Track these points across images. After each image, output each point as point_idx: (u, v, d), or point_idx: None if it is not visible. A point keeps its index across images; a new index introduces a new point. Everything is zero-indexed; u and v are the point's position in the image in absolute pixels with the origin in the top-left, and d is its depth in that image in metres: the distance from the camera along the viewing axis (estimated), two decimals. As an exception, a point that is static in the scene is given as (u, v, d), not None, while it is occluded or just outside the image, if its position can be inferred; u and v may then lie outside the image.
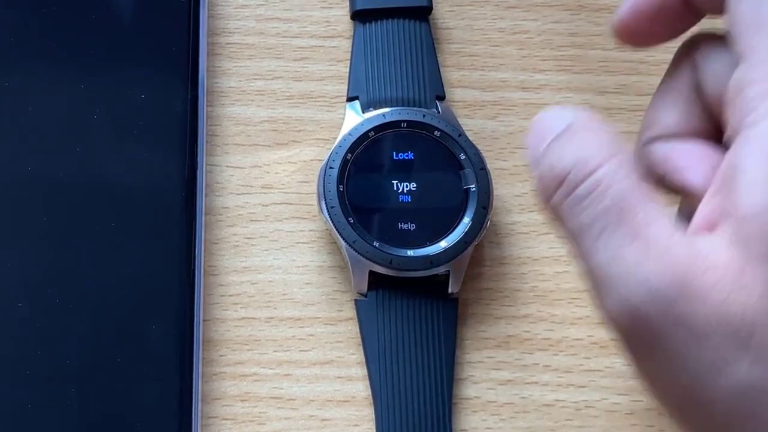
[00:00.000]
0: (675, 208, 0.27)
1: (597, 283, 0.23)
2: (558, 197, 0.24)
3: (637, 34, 0.28)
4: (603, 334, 0.33)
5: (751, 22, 0.25)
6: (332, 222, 0.32)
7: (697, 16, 0.28)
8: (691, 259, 0.22)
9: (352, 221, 0.32)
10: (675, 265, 0.22)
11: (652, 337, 0.23)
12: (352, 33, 0.37)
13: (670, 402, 0.24)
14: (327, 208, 0.32)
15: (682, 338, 0.22)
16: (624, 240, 0.23)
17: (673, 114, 0.28)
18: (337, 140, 0.34)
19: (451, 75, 0.36)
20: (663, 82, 0.29)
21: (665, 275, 0.22)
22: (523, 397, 0.33)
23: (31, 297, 0.32)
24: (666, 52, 0.37)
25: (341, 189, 0.33)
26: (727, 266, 0.22)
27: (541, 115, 0.25)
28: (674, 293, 0.22)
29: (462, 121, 0.35)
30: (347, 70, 0.36)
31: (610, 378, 0.33)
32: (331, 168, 0.33)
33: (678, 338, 0.22)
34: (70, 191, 0.33)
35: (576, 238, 0.24)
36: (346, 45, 0.37)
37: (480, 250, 0.33)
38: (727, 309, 0.22)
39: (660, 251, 0.22)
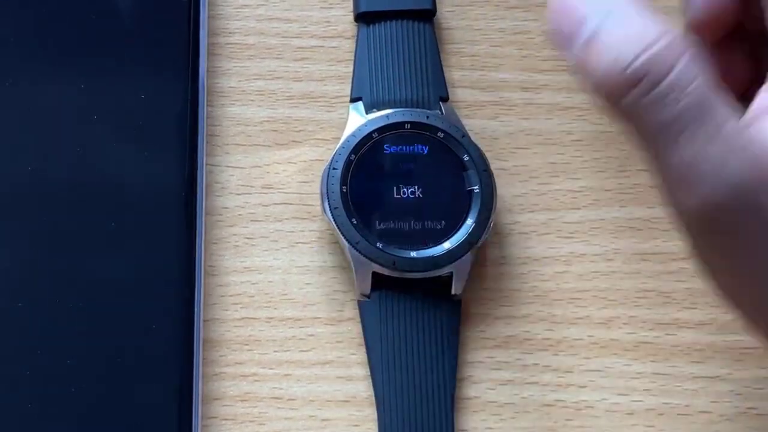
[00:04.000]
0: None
1: (676, 182, 0.23)
2: (633, 97, 0.23)
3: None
4: (603, 334, 0.34)
5: None
6: (335, 223, 0.32)
7: None
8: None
9: (355, 222, 0.32)
10: (755, 159, 0.23)
11: (735, 232, 0.23)
12: (352, 33, 0.37)
13: (746, 301, 0.24)
14: (330, 209, 0.32)
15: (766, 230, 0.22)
16: (707, 137, 0.22)
17: None
18: (341, 141, 0.34)
19: (451, 75, 0.36)
20: None
21: (748, 169, 0.22)
22: (523, 397, 0.33)
23: (30, 297, 0.32)
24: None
25: (344, 190, 0.33)
26: None
27: None
28: (757, 186, 0.22)
29: (463, 121, 0.35)
30: (348, 70, 0.36)
31: (610, 378, 0.33)
32: (334, 169, 0.33)
33: (763, 230, 0.23)
34: (70, 191, 0.33)
35: (654, 136, 0.23)
36: (346, 45, 0.37)
37: (481, 250, 0.33)
38: None
39: (741, 146, 0.23)
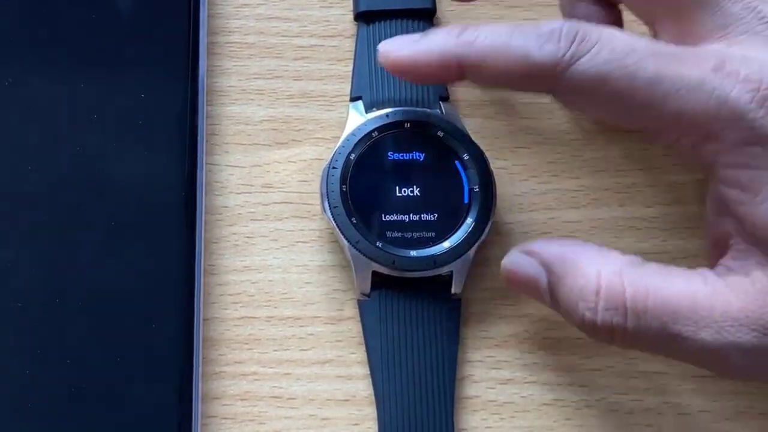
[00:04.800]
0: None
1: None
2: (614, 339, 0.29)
3: None
4: (603, 334, 0.34)
5: None
6: (335, 222, 0.32)
7: None
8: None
9: (355, 221, 0.32)
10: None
11: None
12: (352, 32, 0.37)
13: None
14: (330, 208, 0.32)
15: None
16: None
17: None
18: (341, 140, 0.34)
19: (451, 74, 0.36)
20: None
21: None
22: (523, 397, 0.33)
23: (30, 297, 0.32)
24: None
25: (344, 189, 0.33)
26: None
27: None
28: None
29: (463, 120, 0.35)
30: (347, 69, 0.36)
31: (610, 378, 0.33)
32: (334, 168, 0.33)
33: None
34: (70, 191, 0.33)
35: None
36: (346, 44, 0.37)
37: (481, 249, 0.33)
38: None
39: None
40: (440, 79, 0.31)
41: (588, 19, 0.32)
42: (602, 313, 0.28)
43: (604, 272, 0.29)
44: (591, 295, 0.28)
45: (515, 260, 0.31)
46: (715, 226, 0.30)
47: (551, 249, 0.30)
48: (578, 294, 0.29)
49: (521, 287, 0.31)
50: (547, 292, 0.30)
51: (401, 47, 0.31)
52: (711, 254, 0.31)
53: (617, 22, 0.33)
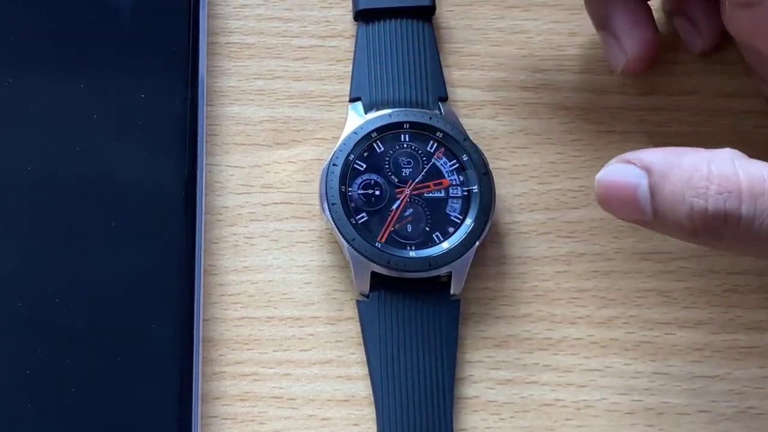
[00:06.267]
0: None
1: None
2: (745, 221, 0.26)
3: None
4: (603, 334, 0.34)
5: None
6: (334, 222, 0.32)
7: None
8: None
9: (354, 222, 0.32)
10: None
11: None
12: (352, 33, 0.37)
13: None
14: (329, 209, 0.32)
15: None
16: None
17: None
18: (340, 141, 0.34)
19: (451, 74, 0.36)
20: None
21: None
22: (522, 397, 0.33)
23: (31, 296, 0.32)
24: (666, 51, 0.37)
25: (343, 189, 0.33)
26: None
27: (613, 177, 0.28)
28: None
29: (462, 120, 0.35)
30: (347, 69, 0.36)
31: (610, 378, 0.33)
32: (333, 168, 0.33)
33: None
34: (70, 191, 0.33)
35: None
36: (346, 45, 0.37)
37: (480, 250, 0.33)
38: None
39: None
40: None
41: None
42: (714, 198, 0.26)
43: (715, 161, 0.26)
44: (701, 181, 0.26)
45: (612, 170, 0.28)
46: None
47: (652, 153, 0.27)
48: (686, 184, 0.26)
49: (617, 200, 0.28)
50: (647, 196, 0.27)
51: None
52: None
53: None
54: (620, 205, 0.28)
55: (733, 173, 0.26)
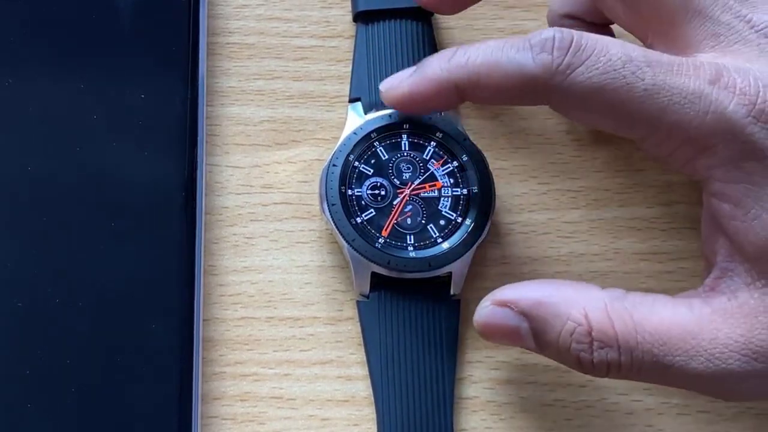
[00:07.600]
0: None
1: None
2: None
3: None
4: (602, 334, 0.34)
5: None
6: (334, 223, 0.32)
7: None
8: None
9: (353, 222, 0.32)
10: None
11: None
12: (351, 33, 0.37)
13: None
14: (329, 209, 0.32)
15: None
16: None
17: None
18: (340, 141, 0.34)
19: (451, 75, 0.36)
20: None
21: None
22: (522, 397, 0.33)
23: (31, 296, 0.32)
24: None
25: (343, 190, 0.33)
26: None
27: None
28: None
29: (462, 120, 0.35)
30: (347, 69, 0.36)
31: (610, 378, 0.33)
32: (333, 168, 0.33)
33: None
34: (70, 191, 0.33)
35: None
36: (345, 45, 0.37)
37: (480, 250, 0.33)
38: None
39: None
40: (443, 105, 0.31)
41: None
42: (597, 352, 0.28)
43: (590, 311, 0.28)
44: (584, 336, 0.28)
45: (490, 314, 0.30)
46: (707, 242, 0.30)
47: (525, 296, 0.30)
48: (570, 337, 0.29)
49: (501, 339, 0.30)
50: (531, 339, 0.30)
51: (399, 83, 0.31)
52: (704, 268, 0.31)
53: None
54: (505, 339, 0.30)
55: (609, 327, 0.28)
